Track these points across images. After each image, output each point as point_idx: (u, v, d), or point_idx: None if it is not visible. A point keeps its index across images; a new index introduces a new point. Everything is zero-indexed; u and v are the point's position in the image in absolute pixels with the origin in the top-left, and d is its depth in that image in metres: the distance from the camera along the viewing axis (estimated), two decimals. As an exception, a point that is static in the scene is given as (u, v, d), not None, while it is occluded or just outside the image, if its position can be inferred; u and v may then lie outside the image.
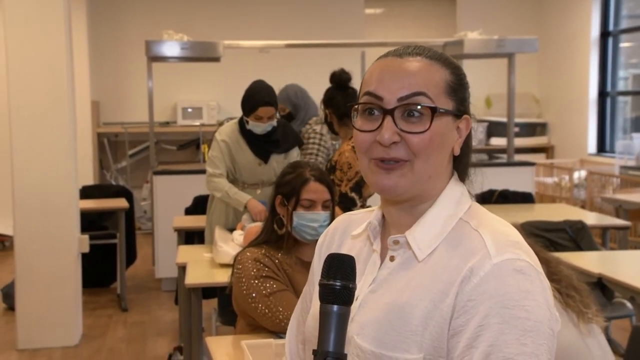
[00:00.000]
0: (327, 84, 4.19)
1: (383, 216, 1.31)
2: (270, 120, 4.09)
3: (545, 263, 2.32)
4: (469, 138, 1.29)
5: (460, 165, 1.30)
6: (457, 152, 1.25)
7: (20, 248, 4.97)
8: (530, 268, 1.13)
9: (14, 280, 5.13)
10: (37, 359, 4.81)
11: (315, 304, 1.31)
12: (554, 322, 1.14)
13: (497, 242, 1.16)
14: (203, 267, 3.67)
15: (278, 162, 4.21)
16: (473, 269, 1.13)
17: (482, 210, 1.27)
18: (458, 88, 1.24)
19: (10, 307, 5.71)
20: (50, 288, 4.99)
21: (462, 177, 1.30)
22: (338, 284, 1.11)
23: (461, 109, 1.24)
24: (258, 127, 4.10)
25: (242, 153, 4.20)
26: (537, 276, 1.14)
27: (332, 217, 2.63)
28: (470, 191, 1.31)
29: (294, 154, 4.28)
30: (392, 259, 1.24)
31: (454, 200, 1.24)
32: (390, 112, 1.18)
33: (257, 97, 4.06)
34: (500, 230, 1.19)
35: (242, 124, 4.18)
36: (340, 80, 4.06)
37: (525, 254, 1.15)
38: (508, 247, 1.15)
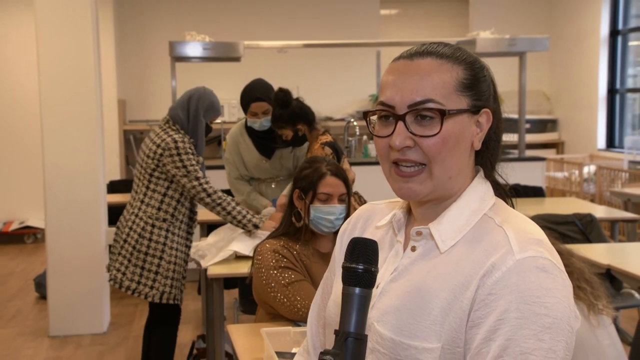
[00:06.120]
0: (343, 82, 4.24)
1: (409, 209, 1.32)
2: (265, 115, 4.13)
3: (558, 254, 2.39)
4: (495, 131, 1.27)
5: (486, 160, 1.28)
6: (477, 146, 1.23)
7: (51, 240, 5.07)
8: (552, 266, 1.13)
9: (46, 271, 5.24)
10: (67, 345, 4.92)
11: (336, 289, 1.33)
12: (574, 320, 1.13)
13: (520, 239, 1.15)
14: (224, 259, 3.67)
15: (284, 156, 4.26)
16: (495, 263, 1.13)
17: (506, 207, 1.26)
18: (473, 83, 1.22)
19: (43, 296, 5.87)
20: (79, 278, 5.09)
21: (490, 173, 1.29)
22: (361, 267, 1.11)
23: (478, 104, 1.22)
24: (255, 123, 4.16)
25: (247, 150, 4.29)
26: (560, 274, 1.13)
27: (348, 210, 2.70)
28: (503, 186, 1.30)
29: (304, 145, 4.23)
30: (413, 249, 1.25)
31: (478, 197, 1.24)
32: (401, 118, 1.19)
33: (249, 93, 4.13)
34: (524, 227, 1.19)
35: (246, 121, 4.27)
36: (286, 99, 4.02)
37: (548, 253, 1.15)
38: (531, 244, 1.14)
